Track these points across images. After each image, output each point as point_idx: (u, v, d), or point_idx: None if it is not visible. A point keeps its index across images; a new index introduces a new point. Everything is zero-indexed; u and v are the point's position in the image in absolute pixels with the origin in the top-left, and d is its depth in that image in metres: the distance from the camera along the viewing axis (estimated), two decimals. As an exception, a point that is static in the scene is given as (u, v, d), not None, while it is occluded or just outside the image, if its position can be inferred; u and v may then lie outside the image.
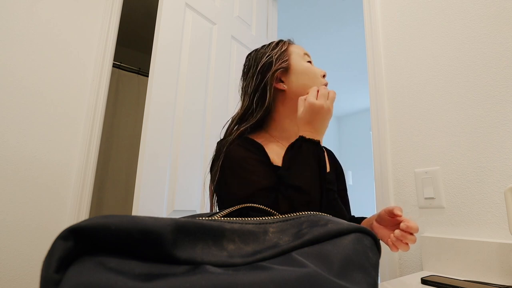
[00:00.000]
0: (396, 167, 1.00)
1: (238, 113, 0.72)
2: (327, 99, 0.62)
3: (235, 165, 0.61)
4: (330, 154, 0.83)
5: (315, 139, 0.60)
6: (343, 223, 0.38)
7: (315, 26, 2.68)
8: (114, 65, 2.23)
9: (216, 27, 1.38)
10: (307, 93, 0.64)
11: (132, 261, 0.27)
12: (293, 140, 0.68)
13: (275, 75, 0.70)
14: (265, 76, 0.70)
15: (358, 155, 4.73)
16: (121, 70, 2.32)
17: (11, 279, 1.10)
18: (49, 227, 1.22)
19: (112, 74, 2.19)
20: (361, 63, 3.27)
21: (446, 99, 0.90)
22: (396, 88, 1.04)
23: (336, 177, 0.78)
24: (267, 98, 0.69)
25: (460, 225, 0.82)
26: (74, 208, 1.27)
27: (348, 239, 0.35)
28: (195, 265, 0.29)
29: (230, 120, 0.73)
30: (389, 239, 0.60)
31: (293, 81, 0.71)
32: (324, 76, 0.73)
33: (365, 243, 0.36)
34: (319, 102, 0.60)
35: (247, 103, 0.71)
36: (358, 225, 0.37)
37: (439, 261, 0.81)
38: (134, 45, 2.72)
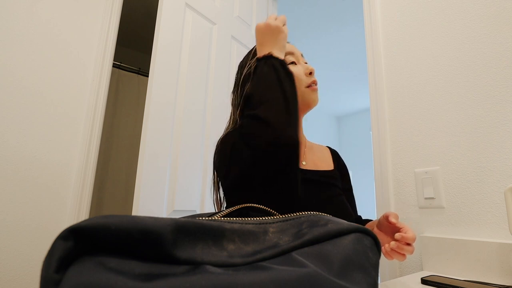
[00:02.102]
0: (396, 167, 1.00)
1: (228, 127, 0.72)
2: (275, 20, 0.63)
3: (226, 146, 0.61)
4: (334, 153, 0.82)
5: (267, 53, 0.59)
6: (343, 223, 0.37)
7: (315, 26, 2.68)
8: (114, 65, 2.23)
9: (216, 27, 1.38)
10: None
11: (132, 261, 0.27)
12: None
13: None
14: (246, 89, 0.68)
15: (358, 155, 4.74)
16: (121, 70, 2.32)
17: (11, 279, 1.10)
18: (49, 227, 1.22)
19: (112, 74, 2.19)
20: (361, 63, 3.28)
21: (446, 99, 0.90)
22: (396, 88, 1.04)
23: (341, 177, 0.77)
24: None
25: (460, 225, 0.82)
26: (74, 208, 1.27)
27: (348, 239, 0.35)
28: (195, 265, 0.29)
29: (224, 133, 0.73)
30: (383, 247, 0.57)
31: None
32: (311, 73, 0.69)
33: (365, 243, 0.36)
34: (266, 22, 0.62)
35: (236, 116, 0.71)
36: (358, 225, 0.37)
37: (439, 261, 0.81)
38: (134, 45, 2.72)
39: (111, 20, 1.50)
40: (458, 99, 0.88)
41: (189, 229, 0.31)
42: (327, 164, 0.74)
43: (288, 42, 0.77)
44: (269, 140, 0.49)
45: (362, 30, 2.57)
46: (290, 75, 0.57)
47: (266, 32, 0.62)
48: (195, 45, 1.26)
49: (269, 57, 0.58)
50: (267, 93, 0.53)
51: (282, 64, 0.57)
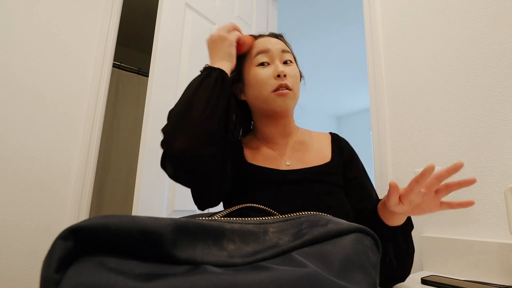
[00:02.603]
0: (396, 167, 1.00)
1: None
2: (220, 29, 0.65)
3: None
4: (335, 140, 0.73)
5: (206, 65, 0.61)
6: (343, 223, 0.38)
7: (315, 26, 2.68)
8: (114, 65, 2.23)
9: (216, 27, 1.38)
10: (262, 106, 0.66)
11: (132, 261, 0.27)
12: (273, 140, 0.69)
13: (233, 87, 0.69)
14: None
15: (358, 155, 4.73)
16: (121, 70, 2.32)
17: (11, 279, 1.10)
18: (49, 227, 1.22)
19: (112, 74, 2.18)
20: (361, 63, 3.27)
21: (446, 99, 0.90)
22: (396, 88, 1.04)
23: (343, 166, 0.69)
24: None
25: (460, 225, 0.82)
26: (74, 208, 1.27)
27: (348, 239, 0.35)
28: (195, 265, 0.29)
29: None
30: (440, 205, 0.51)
31: (246, 92, 0.69)
32: (279, 75, 0.62)
33: (365, 243, 0.36)
34: (210, 35, 0.65)
35: None
36: (358, 225, 0.37)
37: (439, 261, 0.81)
38: (134, 45, 2.72)
39: (111, 20, 1.50)
40: (458, 99, 0.88)
41: (189, 229, 0.31)
42: (322, 157, 0.68)
43: (262, 36, 0.71)
44: (164, 152, 0.56)
45: (362, 30, 2.57)
46: (220, 84, 0.58)
47: (210, 43, 0.65)
48: (195, 45, 1.26)
49: (204, 69, 0.60)
50: (177, 105, 0.59)
51: (210, 74, 0.59)
